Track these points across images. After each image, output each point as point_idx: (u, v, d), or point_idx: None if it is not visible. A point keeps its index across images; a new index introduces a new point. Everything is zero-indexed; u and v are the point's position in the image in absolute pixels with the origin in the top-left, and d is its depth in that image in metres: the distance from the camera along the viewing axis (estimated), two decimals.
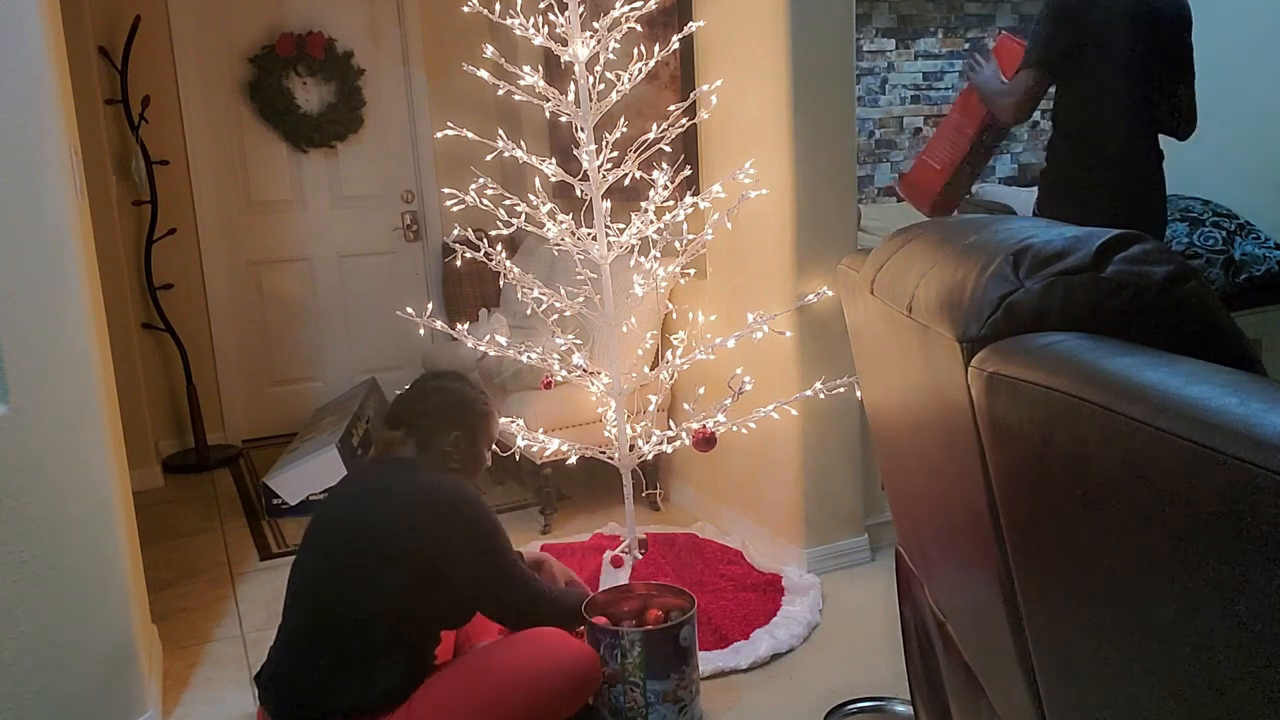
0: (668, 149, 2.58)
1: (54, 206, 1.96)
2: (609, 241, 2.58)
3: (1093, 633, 0.77)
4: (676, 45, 2.70)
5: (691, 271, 3.20)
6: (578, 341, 2.69)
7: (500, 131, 2.60)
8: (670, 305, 3.22)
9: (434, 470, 1.98)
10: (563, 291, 2.62)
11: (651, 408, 2.70)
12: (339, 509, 1.96)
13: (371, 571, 1.83)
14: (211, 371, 4.58)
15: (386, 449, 2.06)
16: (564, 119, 2.55)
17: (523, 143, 2.60)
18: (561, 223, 2.56)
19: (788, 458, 2.90)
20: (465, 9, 2.55)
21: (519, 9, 2.48)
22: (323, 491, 3.47)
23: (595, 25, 2.48)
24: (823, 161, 2.75)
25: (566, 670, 1.93)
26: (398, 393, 2.13)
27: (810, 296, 2.63)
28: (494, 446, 2.19)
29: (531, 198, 2.55)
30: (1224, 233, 3.79)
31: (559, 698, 1.92)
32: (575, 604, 2.12)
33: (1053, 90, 2.79)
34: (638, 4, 2.49)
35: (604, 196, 2.56)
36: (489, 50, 2.61)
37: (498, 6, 2.47)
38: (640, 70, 2.51)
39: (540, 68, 2.78)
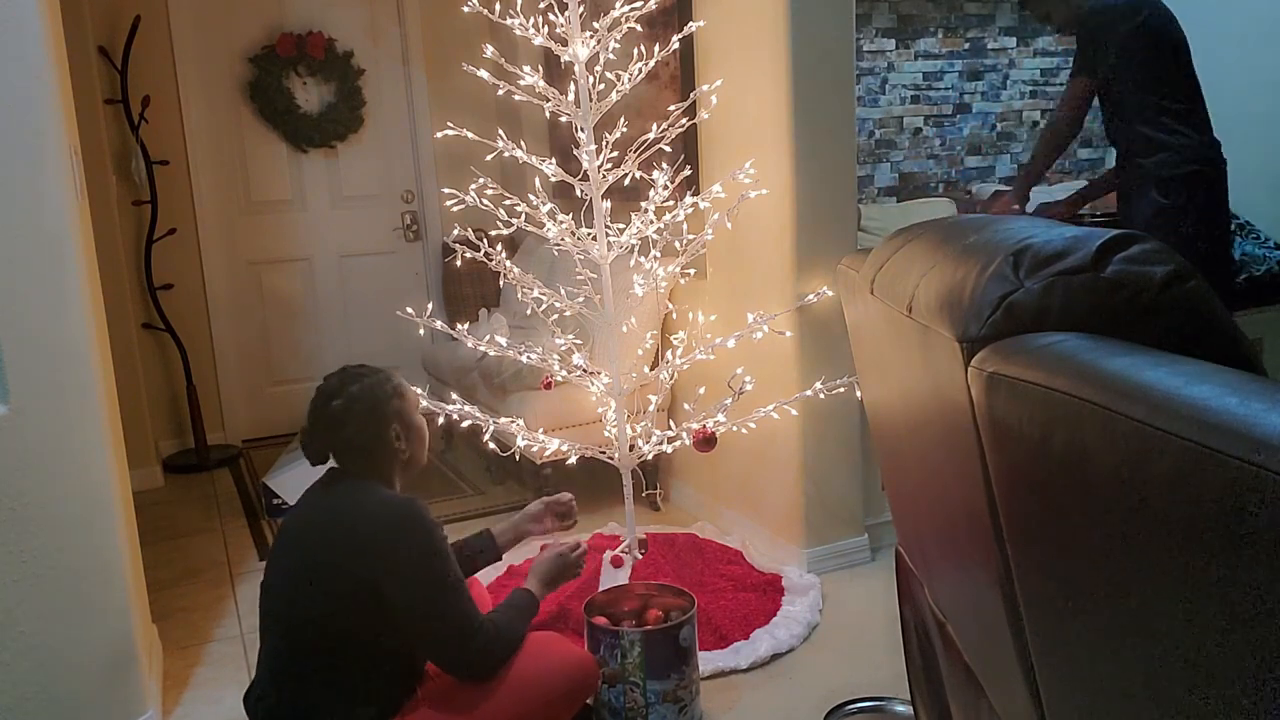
0: (668, 149, 2.58)
1: (54, 206, 1.96)
2: (609, 241, 2.58)
3: (1092, 632, 0.77)
4: (676, 45, 2.70)
5: (691, 271, 3.20)
6: (578, 341, 2.69)
7: (500, 131, 2.59)
8: (670, 305, 3.22)
9: (382, 483, 1.86)
10: (563, 291, 2.62)
11: (651, 408, 2.70)
12: (297, 532, 1.86)
13: (334, 598, 1.76)
14: (211, 371, 4.58)
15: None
16: (564, 119, 2.55)
17: (523, 143, 2.60)
18: (561, 223, 2.55)
19: (788, 458, 2.90)
20: (465, 9, 2.55)
21: (519, 9, 2.48)
22: None
23: (595, 25, 2.48)
24: (823, 161, 2.75)
25: (564, 675, 1.91)
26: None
27: (810, 296, 2.63)
28: (416, 429, 1.97)
29: (531, 198, 2.55)
30: None
31: (556, 704, 1.90)
32: (528, 618, 1.96)
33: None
34: (638, 4, 2.49)
35: (604, 196, 2.56)
36: (489, 50, 2.61)
37: (498, 6, 2.47)
38: (640, 70, 2.51)
39: (540, 68, 2.78)
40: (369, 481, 1.85)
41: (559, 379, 2.70)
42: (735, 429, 2.60)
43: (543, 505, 2.27)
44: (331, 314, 4.83)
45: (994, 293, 0.90)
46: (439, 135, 2.62)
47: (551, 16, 2.49)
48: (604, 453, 2.69)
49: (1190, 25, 3.02)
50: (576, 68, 2.50)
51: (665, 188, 2.55)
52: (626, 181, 2.64)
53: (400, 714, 1.80)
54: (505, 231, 2.64)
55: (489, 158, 2.59)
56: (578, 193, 2.59)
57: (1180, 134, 2.98)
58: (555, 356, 2.63)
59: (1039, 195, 5.27)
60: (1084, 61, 3.06)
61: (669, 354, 2.67)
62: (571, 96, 2.51)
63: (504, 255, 2.57)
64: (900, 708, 2.19)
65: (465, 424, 2.61)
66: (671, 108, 2.60)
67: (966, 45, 5.44)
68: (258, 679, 1.88)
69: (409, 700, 1.83)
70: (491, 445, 2.65)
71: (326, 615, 1.76)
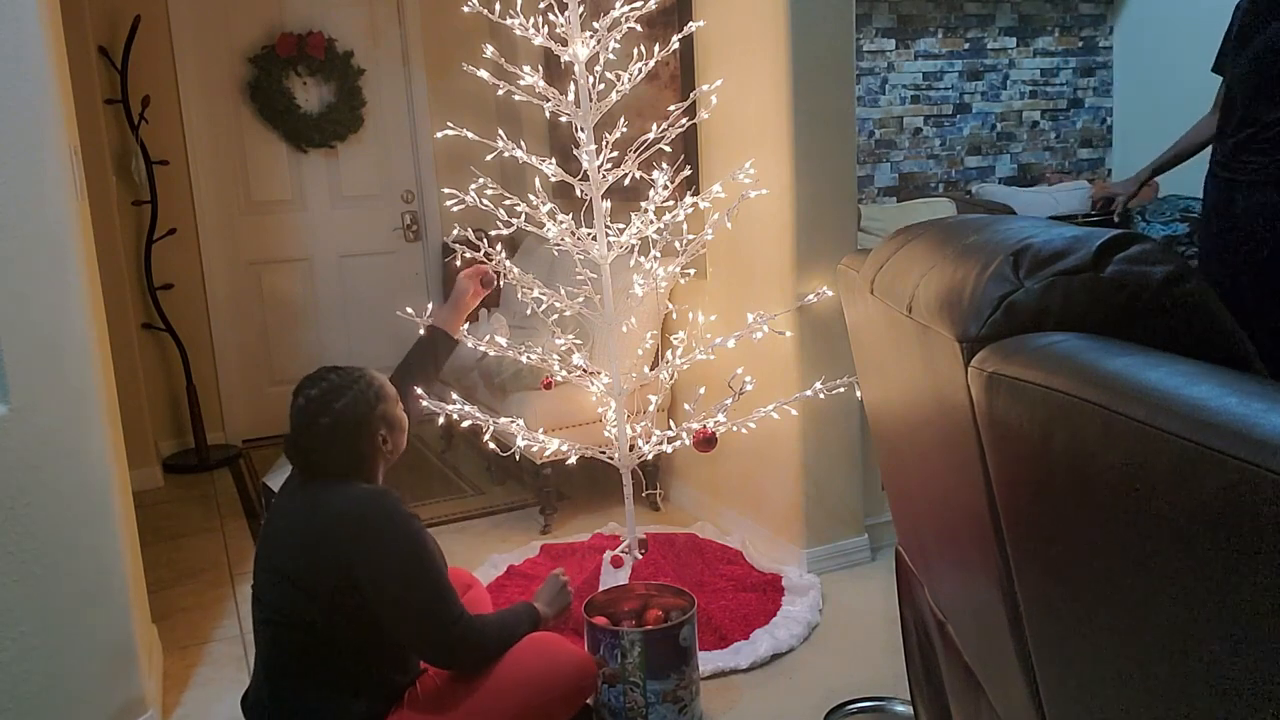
0: (668, 149, 2.58)
1: (54, 206, 1.96)
2: (609, 241, 2.58)
3: (1092, 632, 0.77)
4: (676, 45, 2.70)
5: (691, 271, 3.20)
6: (578, 341, 2.69)
7: (500, 131, 2.59)
8: (670, 305, 3.22)
9: (364, 481, 1.87)
10: (563, 291, 2.62)
11: (651, 408, 2.70)
12: (277, 536, 1.86)
13: (318, 600, 1.76)
14: (211, 371, 4.58)
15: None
16: (564, 119, 2.55)
17: (523, 143, 2.60)
18: (561, 223, 2.55)
19: (788, 458, 2.90)
20: (465, 9, 2.54)
21: (519, 9, 2.48)
22: None
23: (595, 25, 2.48)
24: (823, 161, 2.75)
25: (563, 675, 1.90)
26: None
27: (810, 296, 2.63)
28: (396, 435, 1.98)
29: (531, 198, 2.55)
30: None
31: (556, 704, 1.90)
32: (526, 625, 1.97)
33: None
34: (638, 4, 2.49)
35: (604, 196, 2.56)
36: (489, 50, 2.60)
37: (498, 6, 2.47)
38: (640, 70, 2.51)
39: (540, 68, 2.78)
40: (346, 479, 1.86)
41: (559, 379, 2.70)
42: (735, 429, 2.60)
43: (467, 277, 2.43)
44: (331, 314, 4.83)
45: (994, 293, 0.90)
46: (439, 135, 2.62)
47: (551, 16, 2.49)
48: (604, 453, 2.69)
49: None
50: (576, 68, 2.49)
51: (665, 188, 2.55)
52: (626, 181, 2.64)
53: (394, 711, 1.80)
54: (505, 231, 2.64)
55: (489, 158, 2.59)
56: (578, 193, 2.59)
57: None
58: (555, 356, 2.63)
59: (1042, 199, 5.28)
60: None
61: (669, 354, 2.67)
62: (571, 96, 2.50)
63: (504, 255, 2.58)
64: (900, 708, 2.19)
65: (465, 424, 2.61)
66: (671, 108, 2.60)
67: (966, 45, 5.44)
68: (254, 680, 1.88)
69: (401, 697, 1.83)
70: (491, 445, 2.65)
71: (312, 617, 1.76)
